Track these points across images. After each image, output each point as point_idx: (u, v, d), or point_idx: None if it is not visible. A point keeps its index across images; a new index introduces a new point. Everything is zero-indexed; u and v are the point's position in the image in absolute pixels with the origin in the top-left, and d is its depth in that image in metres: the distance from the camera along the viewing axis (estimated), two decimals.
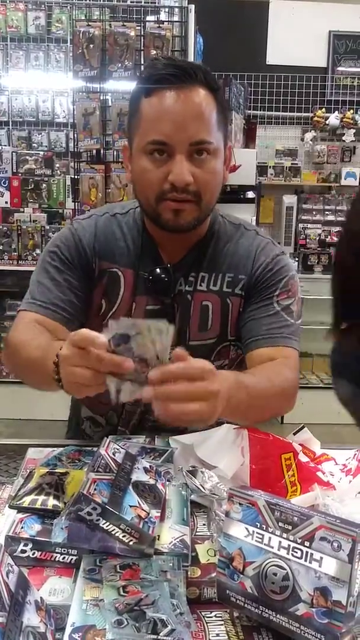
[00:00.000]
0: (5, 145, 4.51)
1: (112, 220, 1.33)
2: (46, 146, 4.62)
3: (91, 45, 3.30)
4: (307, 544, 0.74)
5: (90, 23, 3.34)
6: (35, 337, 1.17)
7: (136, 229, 1.31)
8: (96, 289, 1.30)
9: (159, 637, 0.70)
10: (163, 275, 1.26)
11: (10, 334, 1.24)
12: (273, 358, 1.23)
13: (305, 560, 0.74)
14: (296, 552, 0.75)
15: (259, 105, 5.15)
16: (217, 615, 0.80)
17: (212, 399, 0.90)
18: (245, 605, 0.78)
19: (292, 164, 5.26)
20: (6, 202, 4.06)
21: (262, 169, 5.09)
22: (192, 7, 3.32)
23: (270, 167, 5.17)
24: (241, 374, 1.14)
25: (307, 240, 5.21)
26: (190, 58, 3.29)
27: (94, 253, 1.29)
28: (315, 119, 5.18)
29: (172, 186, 1.14)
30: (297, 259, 4.86)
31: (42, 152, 4.37)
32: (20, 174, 4.18)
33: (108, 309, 1.29)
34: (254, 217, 4.26)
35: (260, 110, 5.15)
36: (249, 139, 4.59)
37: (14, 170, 4.20)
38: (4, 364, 1.39)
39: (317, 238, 5.20)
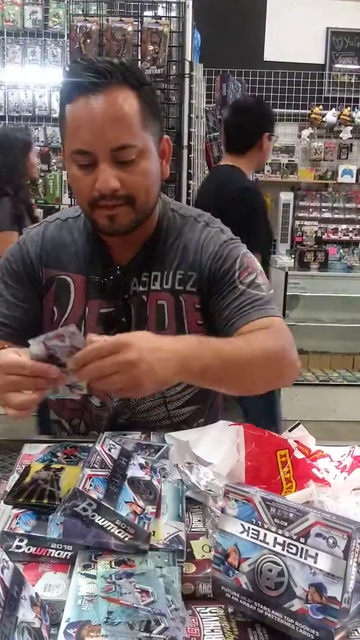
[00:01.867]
0: None
1: (63, 225, 1.33)
2: (42, 142, 4.61)
3: (88, 40, 3.28)
4: (302, 540, 0.74)
5: (87, 18, 3.32)
6: None
7: (86, 233, 1.30)
8: (46, 297, 1.30)
9: (152, 636, 0.71)
10: (113, 278, 1.25)
11: None
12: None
13: (301, 557, 0.74)
14: (291, 549, 0.75)
15: None
16: (212, 611, 0.80)
17: (129, 369, 0.95)
18: (240, 601, 0.78)
19: (289, 160, 5.27)
20: None
21: None
22: (190, 2, 3.30)
23: (267, 163, 5.17)
24: (209, 338, 1.14)
25: (304, 237, 5.22)
26: (188, 53, 3.28)
27: (40, 262, 1.30)
28: (313, 116, 5.19)
29: (101, 194, 1.13)
30: (293, 256, 4.86)
31: (38, 148, 4.36)
32: None
33: (60, 315, 1.29)
34: None
35: None
36: None
37: None
38: None
39: (314, 235, 5.21)
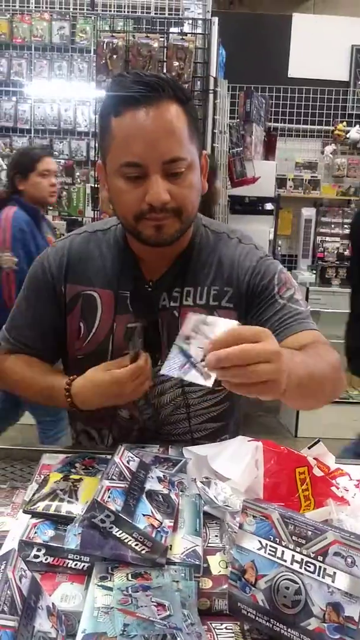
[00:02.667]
0: None
1: (91, 237, 1.33)
2: (67, 155, 4.66)
3: (114, 56, 3.33)
4: (320, 558, 0.74)
5: (114, 34, 3.37)
6: (26, 377, 1.33)
7: (117, 247, 1.30)
8: (72, 313, 1.31)
9: None
10: (144, 293, 1.26)
11: (1, 372, 1.37)
12: (302, 345, 1.17)
13: (318, 575, 0.74)
14: (309, 567, 0.74)
15: (280, 117, 5.17)
16: (228, 627, 0.80)
17: (275, 360, 0.84)
18: (257, 619, 0.78)
19: (311, 176, 5.27)
20: None
21: (281, 181, 5.10)
22: (216, 19, 3.34)
23: (289, 179, 5.18)
24: (294, 351, 1.08)
25: (325, 253, 5.20)
26: (213, 70, 3.31)
27: (65, 279, 1.31)
28: (336, 132, 5.18)
29: (150, 206, 1.13)
30: (314, 271, 4.84)
31: (62, 161, 4.41)
32: None
33: (87, 330, 1.29)
34: (272, 229, 4.27)
35: (280, 123, 5.17)
36: (269, 151, 4.61)
37: None
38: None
39: (336, 251, 5.18)
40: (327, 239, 5.29)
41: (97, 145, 3.50)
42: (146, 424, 1.31)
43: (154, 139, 1.11)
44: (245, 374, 0.83)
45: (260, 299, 1.25)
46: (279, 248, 4.98)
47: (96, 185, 3.59)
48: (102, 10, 4.30)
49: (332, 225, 5.34)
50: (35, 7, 4.56)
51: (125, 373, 1.17)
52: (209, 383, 0.90)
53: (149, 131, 1.11)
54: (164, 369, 0.94)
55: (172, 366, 0.93)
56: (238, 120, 4.41)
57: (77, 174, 4.42)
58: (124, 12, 4.11)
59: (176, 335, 1.25)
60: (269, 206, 4.28)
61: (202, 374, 0.90)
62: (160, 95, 1.11)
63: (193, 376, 0.91)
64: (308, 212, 5.20)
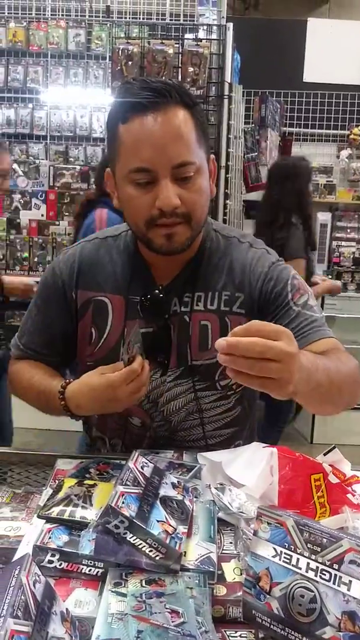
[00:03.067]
0: (42, 159, 4.59)
1: (101, 244, 1.34)
2: (83, 161, 4.69)
3: (130, 62, 3.35)
4: (335, 566, 0.73)
5: (129, 40, 3.39)
6: (30, 383, 1.32)
7: (127, 252, 1.30)
8: (83, 319, 1.31)
9: None
10: (154, 298, 1.25)
11: (10, 377, 1.39)
12: (322, 352, 1.16)
13: (334, 583, 0.73)
14: (324, 575, 0.74)
15: (295, 122, 5.15)
16: (242, 635, 0.79)
17: (286, 361, 0.83)
18: (271, 627, 0.77)
19: (327, 181, 5.24)
20: (42, 215, 4.13)
21: None
22: (231, 25, 3.34)
23: None
24: (314, 354, 1.07)
25: (341, 258, 5.17)
26: (228, 75, 3.31)
27: (76, 285, 1.31)
28: (352, 136, 5.15)
29: (161, 211, 1.13)
30: (330, 276, 4.82)
31: (78, 167, 4.44)
32: (56, 188, 4.25)
33: (98, 336, 1.30)
34: None
35: (296, 127, 5.16)
36: (285, 155, 4.60)
37: (51, 184, 4.28)
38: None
39: (351, 256, 5.15)
40: (343, 243, 5.26)
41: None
42: (157, 432, 1.30)
43: (163, 143, 1.11)
44: (249, 364, 0.82)
45: (275, 306, 1.24)
46: None
47: None
48: (118, 17, 4.33)
49: (348, 230, 5.30)
50: (51, 14, 4.60)
51: (118, 376, 1.13)
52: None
53: (157, 136, 1.11)
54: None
55: None
56: (253, 125, 4.41)
57: (93, 179, 4.44)
58: (139, 18, 4.13)
59: (186, 340, 1.26)
60: None
61: None
62: (167, 101, 1.12)
63: None
64: (323, 217, 5.18)
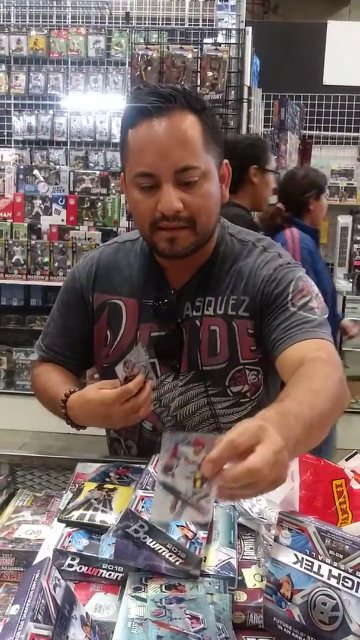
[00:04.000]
0: (63, 165, 4.63)
1: (120, 248, 1.35)
2: (102, 166, 4.72)
3: (149, 68, 3.37)
4: (358, 574, 0.72)
5: (148, 46, 3.41)
6: (44, 386, 1.32)
7: (143, 256, 1.31)
8: (99, 321, 1.32)
9: None
10: (167, 302, 1.26)
11: (32, 380, 1.41)
12: (302, 357, 1.10)
13: (357, 591, 0.72)
14: (347, 582, 0.73)
15: (315, 125, 5.14)
16: None
17: (279, 456, 0.75)
18: (293, 634, 0.76)
19: (347, 184, 5.21)
20: (62, 220, 4.16)
21: None
22: (250, 29, 3.35)
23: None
24: (281, 404, 0.94)
25: None
26: (247, 79, 3.32)
27: (93, 288, 1.33)
28: None
29: (163, 215, 1.14)
30: (351, 280, 4.78)
31: (98, 172, 4.46)
32: (76, 193, 4.28)
33: (113, 338, 1.31)
34: None
35: (316, 130, 5.14)
36: (304, 158, 4.58)
37: (71, 189, 4.31)
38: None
39: None
40: None
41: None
42: None
43: (165, 148, 1.11)
44: (253, 489, 0.75)
45: (274, 306, 1.21)
46: None
47: None
48: (137, 23, 4.36)
49: None
50: (71, 22, 4.65)
51: (111, 394, 1.09)
52: (208, 518, 0.84)
53: (160, 141, 1.11)
54: (153, 516, 0.84)
55: (161, 511, 0.76)
56: (272, 128, 4.40)
57: (112, 184, 4.46)
58: (158, 24, 4.16)
59: (196, 345, 1.25)
60: None
61: (198, 509, 0.76)
62: (172, 106, 1.12)
63: (189, 515, 0.77)
64: (344, 220, 5.14)
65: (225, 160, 1.24)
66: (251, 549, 0.95)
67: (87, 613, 0.76)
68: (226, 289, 1.26)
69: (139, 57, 3.37)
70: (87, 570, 0.87)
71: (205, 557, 0.88)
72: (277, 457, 0.75)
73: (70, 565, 0.88)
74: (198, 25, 4.01)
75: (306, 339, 1.14)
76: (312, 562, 0.76)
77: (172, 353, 1.26)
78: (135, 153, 1.15)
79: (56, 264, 4.05)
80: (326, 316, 1.22)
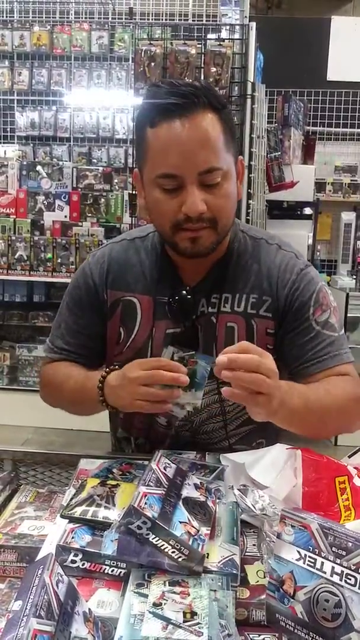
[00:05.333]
0: (66, 161, 4.63)
1: (129, 245, 1.34)
2: (105, 162, 4.72)
3: (152, 64, 3.35)
4: None
5: (151, 42, 3.40)
6: (67, 376, 1.31)
7: (155, 253, 1.31)
8: (112, 319, 1.32)
9: None
10: (182, 299, 1.25)
11: (44, 379, 1.39)
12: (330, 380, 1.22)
13: (359, 588, 0.72)
14: (350, 579, 0.73)
15: (319, 121, 5.12)
16: (266, 638, 0.79)
17: (273, 377, 1.00)
18: (295, 631, 0.76)
19: (351, 180, 5.20)
20: (65, 216, 4.16)
21: (320, 185, 5.05)
22: (254, 24, 3.33)
23: (328, 183, 5.11)
24: (295, 383, 1.17)
25: None
26: (250, 75, 3.30)
27: (105, 284, 1.32)
28: None
29: (187, 216, 1.13)
30: (354, 277, 4.77)
31: (101, 168, 4.46)
32: (79, 189, 4.28)
33: (127, 336, 1.30)
34: (311, 234, 4.22)
35: (319, 127, 5.12)
36: (308, 155, 4.56)
37: (74, 185, 4.30)
38: (44, 401, 1.43)
39: None
40: None
41: (134, 151, 3.53)
42: (179, 432, 1.30)
43: (190, 149, 1.11)
44: (246, 378, 0.97)
45: (295, 317, 1.25)
46: (318, 253, 4.92)
47: (134, 192, 3.61)
48: (140, 19, 4.35)
49: None
50: (74, 17, 4.64)
51: (152, 360, 1.15)
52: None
53: (185, 142, 1.10)
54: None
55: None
56: (276, 124, 4.38)
57: (115, 180, 4.46)
58: (162, 20, 4.15)
59: (212, 342, 1.25)
60: (307, 211, 4.24)
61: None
62: (195, 105, 1.11)
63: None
64: (348, 217, 5.13)
65: (240, 157, 1.24)
66: (254, 545, 0.95)
67: (89, 609, 0.76)
68: (244, 287, 1.27)
69: (143, 52, 3.36)
70: (89, 567, 0.87)
71: (208, 554, 0.88)
72: (271, 374, 0.99)
73: (73, 561, 0.88)
74: (201, 20, 4.00)
75: (336, 365, 1.24)
76: (315, 559, 0.76)
77: (188, 350, 1.26)
78: (157, 153, 1.13)
79: (59, 260, 4.05)
80: (342, 329, 1.29)
